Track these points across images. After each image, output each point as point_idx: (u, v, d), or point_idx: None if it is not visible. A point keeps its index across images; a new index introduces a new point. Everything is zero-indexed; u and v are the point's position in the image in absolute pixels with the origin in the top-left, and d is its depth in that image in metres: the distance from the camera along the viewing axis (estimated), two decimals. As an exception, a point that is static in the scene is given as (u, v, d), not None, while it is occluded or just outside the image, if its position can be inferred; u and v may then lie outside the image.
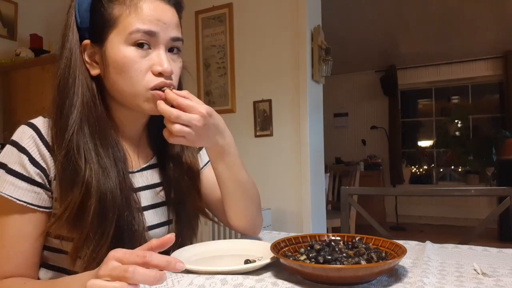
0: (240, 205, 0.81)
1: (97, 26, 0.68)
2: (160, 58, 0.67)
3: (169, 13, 0.69)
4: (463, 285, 0.59)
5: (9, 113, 2.58)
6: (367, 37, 4.60)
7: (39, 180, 0.66)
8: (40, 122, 0.69)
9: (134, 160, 0.78)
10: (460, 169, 5.66)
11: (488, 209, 4.92)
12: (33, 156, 0.66)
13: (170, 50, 0.71)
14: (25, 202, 0.65)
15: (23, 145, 0.66)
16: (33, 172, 0.66)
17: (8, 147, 0.67)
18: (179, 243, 0.78)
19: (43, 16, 2.95)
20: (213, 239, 2.48)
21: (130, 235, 0.69)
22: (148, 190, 0.79)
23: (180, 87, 0.78)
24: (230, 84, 2.72)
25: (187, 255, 0.78)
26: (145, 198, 0.77)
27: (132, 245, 0.69)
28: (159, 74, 0.68)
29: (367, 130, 5.84)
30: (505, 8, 3.79)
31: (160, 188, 0.80)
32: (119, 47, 0.66)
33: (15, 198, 0.64)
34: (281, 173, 2.56)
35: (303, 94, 2.48)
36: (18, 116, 2.50)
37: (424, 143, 5.94)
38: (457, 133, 5.65)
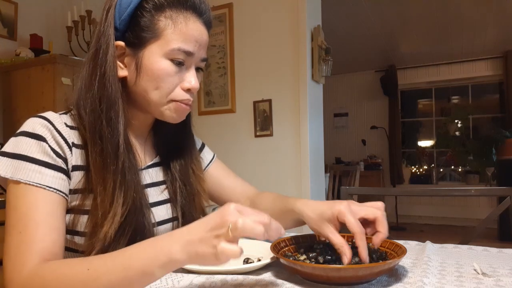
0: None
1: (138, 32, 0.69)
2: (191, 76, 0.72)
3: (205, 35, 0.73)
4: (463, 285, 0.59)
5: (9, 113, 2.58)
6: (367, 37, 4.60)
7: (64, 167, 0.66)
8: (52, 115, 0.69)
9: (141, 157, 0.80)
10: (460, 169, 5.66)
11: (488, 209, 4.92)
12: (51, 145, 0.65)
13: (196, 68, 0.75)
14: (54, 188, 0.63)
15: (39, 133, 0.65)
16: (58, 159, 0.65)
17: (21, 139, 0.64)
18: None
19: (43, 16, 2.95)
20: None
21: (139, 231, 0.70)
22: (153, 188, 0.80)
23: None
24: (230, 84, 2.72)
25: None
26: (151, 195, 0.78)
27: (141, 241, 0.70)
28: (187, 90, 0.72)
29: (367, 130, 5.84)
30: (505, 8, 3.79)
31: (165, 185, 0.82)
32: (157, 59, 0.69)
33: (44, 185, 0.62)
34: (281, 173, 2.56)
35: (303, 94, 2.48)
36: (18, 116, 2.49)
37: (424, 143, 5.94)
38: (457, 133, 5.65)
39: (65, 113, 0.72)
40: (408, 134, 6.00)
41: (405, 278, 0.62)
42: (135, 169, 0.72)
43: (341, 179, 3.89)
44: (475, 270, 0.66)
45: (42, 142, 0.64)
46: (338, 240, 0.62)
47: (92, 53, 0.70)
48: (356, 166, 4.07)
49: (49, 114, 0.69)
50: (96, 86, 0.68)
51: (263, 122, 2.61)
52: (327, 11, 3.00)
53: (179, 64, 0.70)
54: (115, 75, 0.69)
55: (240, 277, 0.64)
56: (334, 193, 3.81)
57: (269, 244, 0.73)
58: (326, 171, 3.44)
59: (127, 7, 0.68)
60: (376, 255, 0.65)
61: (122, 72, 0.71)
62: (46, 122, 0.66)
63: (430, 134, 5.86)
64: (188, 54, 0.70)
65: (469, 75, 5.38)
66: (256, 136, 2.64)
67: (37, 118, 0.67)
